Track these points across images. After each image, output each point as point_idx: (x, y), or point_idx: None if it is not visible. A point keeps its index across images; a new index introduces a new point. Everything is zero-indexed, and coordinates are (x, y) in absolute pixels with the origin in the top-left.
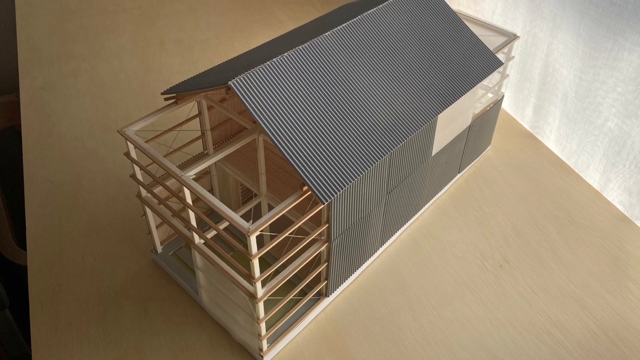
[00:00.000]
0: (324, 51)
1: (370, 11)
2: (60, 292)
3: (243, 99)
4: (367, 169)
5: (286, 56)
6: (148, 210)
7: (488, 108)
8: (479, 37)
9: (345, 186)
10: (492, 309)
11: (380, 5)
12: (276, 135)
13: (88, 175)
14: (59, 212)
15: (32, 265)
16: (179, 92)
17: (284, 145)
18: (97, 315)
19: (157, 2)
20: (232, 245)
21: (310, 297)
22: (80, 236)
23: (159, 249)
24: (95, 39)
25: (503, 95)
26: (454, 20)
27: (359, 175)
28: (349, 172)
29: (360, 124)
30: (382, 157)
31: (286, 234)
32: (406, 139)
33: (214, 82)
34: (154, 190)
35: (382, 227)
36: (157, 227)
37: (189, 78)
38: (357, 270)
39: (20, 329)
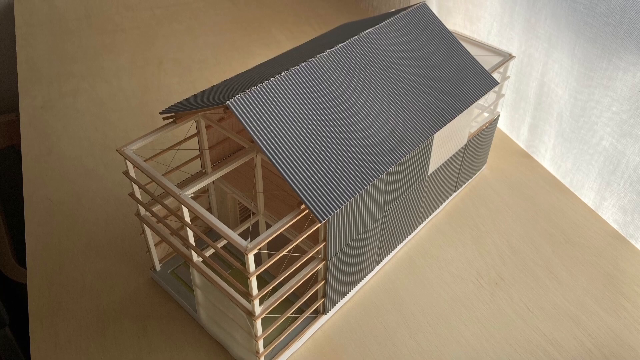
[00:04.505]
0: (321, 71)
1: (367, 31)
2: (60, 310)
3: (241, 118)
4: (364, 188)
5: (283, 76)
6: (147, 229)
7: (484, 127)
8: (475, 57)
9: (342, 205)
10: (488, 326)
11: (377, 25)
12: (274, 154)
13: (87, 194)
14: (58, 231)
15: (31, 283)
16: (177, 112)
17: (282, 164)
18: (96, 332)
19: (155, 23)
20: (230, 263)
21: (307, 314)
22: (79, 254)
23: (158, 267)
24: (95, 59)
25: (499, 115)
26: (450, 40)
27: (356, 194)
28: (346, 190)
29: (357, 143)
30: (379, 176)
31: (283, 252)
32: (403, 158)
33: (212, 101)
34: (153, 209)
35: (379, 245)
36: (155, 245)
37: (187, 97)
38: (354, 288)
39: (20, 346)
